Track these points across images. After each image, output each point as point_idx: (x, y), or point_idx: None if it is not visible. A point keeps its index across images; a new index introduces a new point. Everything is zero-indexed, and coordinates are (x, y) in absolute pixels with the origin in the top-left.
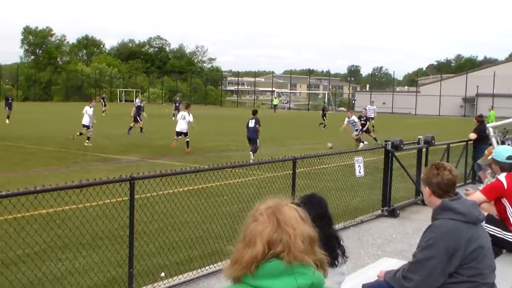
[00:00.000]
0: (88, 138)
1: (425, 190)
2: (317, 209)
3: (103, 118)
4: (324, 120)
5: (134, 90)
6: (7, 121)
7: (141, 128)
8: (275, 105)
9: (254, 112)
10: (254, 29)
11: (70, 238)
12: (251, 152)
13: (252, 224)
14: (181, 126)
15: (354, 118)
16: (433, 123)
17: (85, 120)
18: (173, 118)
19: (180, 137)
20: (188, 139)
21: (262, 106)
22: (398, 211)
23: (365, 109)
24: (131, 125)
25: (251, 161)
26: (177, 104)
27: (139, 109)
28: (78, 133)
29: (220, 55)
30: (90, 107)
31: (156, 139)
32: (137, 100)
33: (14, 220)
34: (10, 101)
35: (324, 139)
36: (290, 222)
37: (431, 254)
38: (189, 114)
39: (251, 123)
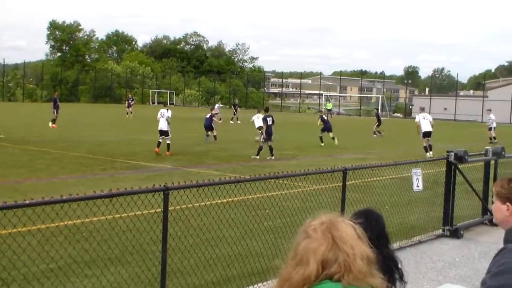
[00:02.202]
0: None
1: (501, 207)
2: (374, 227)
3: (127, 121)
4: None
5: (168, 91)
6: (50, 124)
7: (215, 136)
8: (329, 110)
9: (267, 109)
10: (300, 25)
11: (98, 252)
12: (269, 142)
13: (304, 241)
14: (161, 124)
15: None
16: (503, 132)
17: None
18: (231, 122)
19: (162, 137)
20: (169, 142)
21: (308, 110)
22: (461, 232)
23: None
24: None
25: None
26: (236, 108)
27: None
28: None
29: (263, 54)
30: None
31: (192, 145)
32: (217, 105)
33: (38, 232)
34: (57, 103)
35: (378, 148)
36: (347, 240)
37: (505, 282)
38: (167, 111)
39: (270, 121)
